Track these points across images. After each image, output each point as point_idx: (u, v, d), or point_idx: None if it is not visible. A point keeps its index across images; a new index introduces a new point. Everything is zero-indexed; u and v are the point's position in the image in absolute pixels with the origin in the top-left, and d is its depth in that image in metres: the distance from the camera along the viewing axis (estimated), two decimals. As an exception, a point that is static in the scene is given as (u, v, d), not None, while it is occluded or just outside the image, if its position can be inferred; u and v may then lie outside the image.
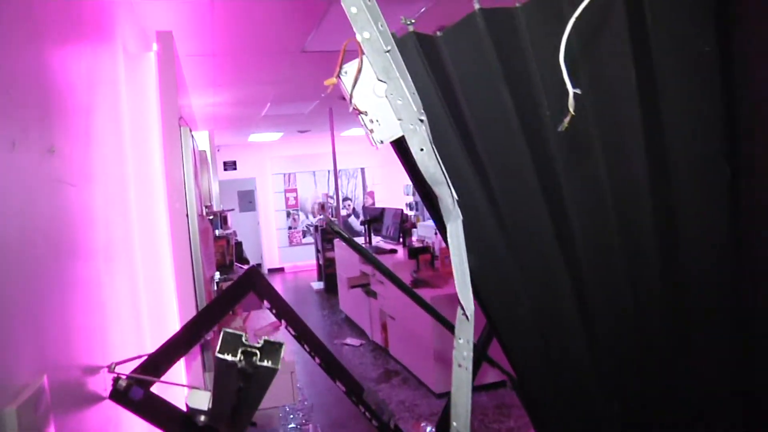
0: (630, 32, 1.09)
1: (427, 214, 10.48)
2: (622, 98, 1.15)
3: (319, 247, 9.57)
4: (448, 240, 0.91)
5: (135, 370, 1.64)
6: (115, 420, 1.63)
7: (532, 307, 1.40)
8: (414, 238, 6.66)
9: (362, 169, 12.38)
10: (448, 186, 0.89)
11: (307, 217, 12.08)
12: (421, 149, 0.88)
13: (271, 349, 1.04)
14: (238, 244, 6.11)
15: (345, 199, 12.24)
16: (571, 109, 0.86)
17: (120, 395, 1.58)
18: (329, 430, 4.44)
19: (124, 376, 1.58)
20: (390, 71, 0.86)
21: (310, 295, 9.51)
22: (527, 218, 1.32)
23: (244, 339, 1.01)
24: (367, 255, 1.57)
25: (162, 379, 1.69)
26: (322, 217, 11.26)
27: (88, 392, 1.43)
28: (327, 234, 9.27)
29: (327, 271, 9.19)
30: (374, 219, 7.19)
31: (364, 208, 12.12)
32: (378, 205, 12.08)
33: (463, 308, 0.92)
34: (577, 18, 0.98)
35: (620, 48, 1.11)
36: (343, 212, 12.03)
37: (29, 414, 0.88)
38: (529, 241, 1.35)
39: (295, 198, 12.05)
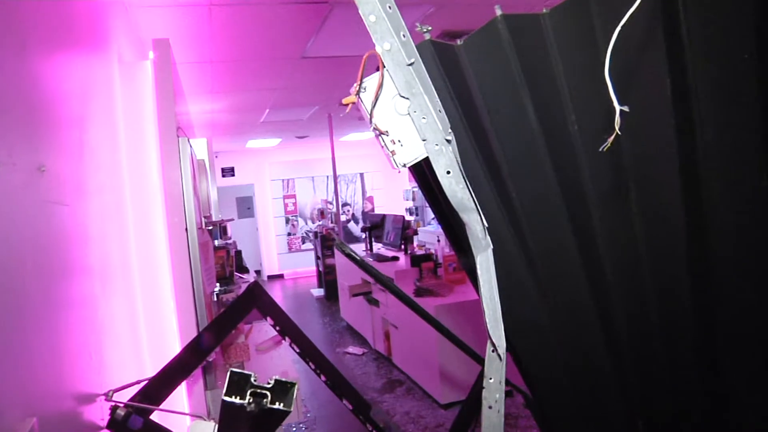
0: (666, 42, 1.00)
1: (428, 219, 10.40)
2: (655, 108, 1.07)
3: (319, 254, 9.48)
4: (477, 271, 0.83)
5: (134, 397, 1.56)
6: (113, 451, 1.55)
7: (552, 323, 1.32)
8: (415, 245, 6.57)
9: (361, 174, 12.29)
10: (478, 212, 0.80)
11: (306, 223, 11.99)
12: (448, 172, 0.79)
13: (283, 389, 0.95)
14: (238, 253, 6.01)
15: (344, 204, 12.16)
16: (617, 128, 0.78)
17: (118, 425, 1.51)
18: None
19: (121, 405, 1.50)
20: (413, 86, 0.78)
21: (311, 302, 9.41)
22: (550, 235, 1.24)
23: (253, 379, 0.93)
24: (382, 279, 1.49)
25: (163, 403, 1.61)
26: (321, 223, 11.17)
27: (84, 422, 1.35)
28: (326, 241, 9.18)
29: (327, 277, 9.09)
30: (375, 226, 7.09)
31: (363, 213, 12.03)
32: (377, 210, 11.99)
33: (494, 345, 0.84)
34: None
35: (655, 57, 1.03)
36: (343, 218, 11.94)
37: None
38: (551, 257, 1.27)
39: (294, 204, 11.96)
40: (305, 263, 11.68)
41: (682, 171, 1.10)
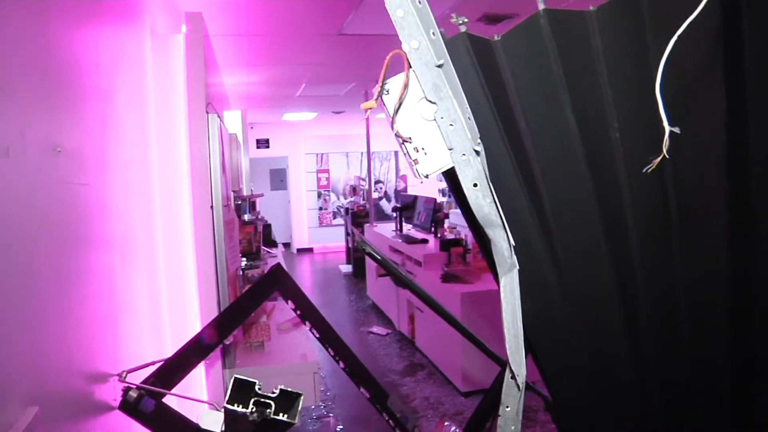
0: (723, 52, 0.91)
1: (459, 202, 10.28)
2: (706, 121, 0.98)
3: (349, 230, 9.47)
4: (501, 292, 0.76)
5: (148, 379, 1.55)
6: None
7: (572, 324, 1.25)
8: (446, 226, 6.49)
9: (395, 152, 12.20)
10: (505, 230, 0.74)
11: (338, 199, 11.99)
12: (475, 185, 0.72)
13: (288, 399, 0.91)
14: (267, 227, 6.03)
15: (377, 182, 12.10)
16: (665, 150, 0.70)
17: (130, 406, 1.50)
18: (351, 422, 4.35)
19: (134, 386, 1.49)
20: (441, 89, 0.71)
21: (338, 278, 9.43)
22: (582, 246, 1.17)
23: (257, 387, 0.89)
24: (406, 281, 1.43)
25: (179, 384, 1.60)
26: (353, 199, 11.15)
27: (96, 403, 1.34)
28: (357, 217, 9.15)
29: (356, 254, 9.08)
30: (406, 206, 7.03)
31: (396, 192, 11.97)
32: (410, 188, 11.92)
33: (513, 372, 0.78)
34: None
35: (709, 67, 0.93)
36: (375, 195, 11.90)
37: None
38: (581, 267, 1.20)
39: (327, 179, 11.96)
40: (335, 238, 11.71)
41: (730, 189, 1.01)
